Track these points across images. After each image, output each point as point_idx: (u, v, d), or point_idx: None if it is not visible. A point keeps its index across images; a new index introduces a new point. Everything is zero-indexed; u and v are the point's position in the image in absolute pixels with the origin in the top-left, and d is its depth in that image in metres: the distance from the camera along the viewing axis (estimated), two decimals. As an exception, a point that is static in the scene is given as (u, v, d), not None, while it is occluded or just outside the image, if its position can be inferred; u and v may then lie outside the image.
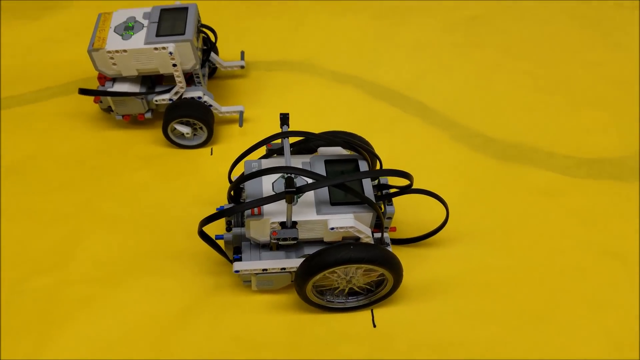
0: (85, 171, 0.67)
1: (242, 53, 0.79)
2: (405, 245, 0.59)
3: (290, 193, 0.44)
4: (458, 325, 0.53)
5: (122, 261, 0.59)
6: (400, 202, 0.61)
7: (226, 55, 0.81)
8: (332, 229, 0.48)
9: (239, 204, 0.48)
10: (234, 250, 0.53)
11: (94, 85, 0.70)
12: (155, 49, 0.63)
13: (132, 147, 0.70)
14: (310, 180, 0.50)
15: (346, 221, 0.48)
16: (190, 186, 0.66)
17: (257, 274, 0.52)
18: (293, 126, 0.69)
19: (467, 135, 0.71)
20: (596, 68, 0.79)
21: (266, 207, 0.49)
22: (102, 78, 0.67)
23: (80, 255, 0.59)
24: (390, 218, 0.53)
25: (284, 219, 0.49)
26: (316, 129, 0.57)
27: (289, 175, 0.46)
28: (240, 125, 0.70)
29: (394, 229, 0.56)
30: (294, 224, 0.49)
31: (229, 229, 0.54)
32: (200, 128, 0.68)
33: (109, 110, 0.71)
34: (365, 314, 0.55)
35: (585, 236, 0.60)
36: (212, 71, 0.78)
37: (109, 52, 0.63)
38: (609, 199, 0.63)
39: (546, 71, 0.79)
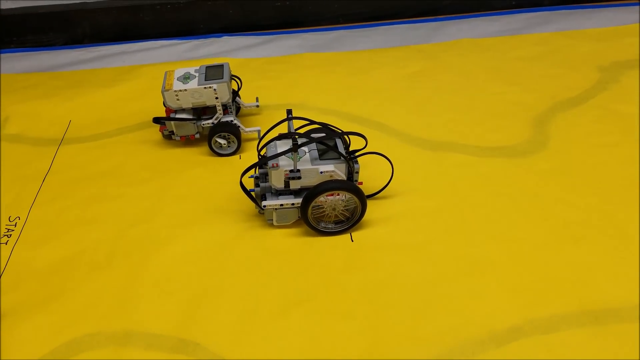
0: (157, 172, 1.01)
1: (257, 98, 1.16)
2: (369, 198, 0.92)
3: (295, 146, 0.78)
4: (403, 237, 0.85)
5: (189, 216, 0.91)
6: (364, 167, 0.95)
7: (246, 100, 1.17)
8: (322, 172, 0.82)
9: (264, 159, 0.82)
10: (261, 198, 0.86)
11: (154, 125, 1.06)
12: (205, 87, 0.99)
13: (188, 157, 1.05)
14: (305, 149, 0.84)
15: (329, 167, 0.82)
16: (226, 177, 0.99)
17: (276, 209, 0.85)
18: (294, 136, 1.04)
19: (410, 139, 1.06)
20: (496, 96, 1.17)
21: (281, 162, 0.82)
22: (168, 111, 1.03)
23: (161, 214, 0.92)
24: (357, 172, 0.86)
25: (292, 168, 0.82)
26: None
27: (294, 137, 0.81)
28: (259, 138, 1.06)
29: (360, 183, 0.89)
30: (298, 170, 0.82)
31: (257, 185, 0.87)
32: (232, 141, 1.03)
33: (169, 136, 1.06)
34: (346, 236, 0.86)
35: (485, 186, 0.93)
36: (237, 110, 1.14)
37: (175, 91, 0.99)
38: (502, 167, 0.97)
39: (462, 100, 1.16)
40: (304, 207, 0.83)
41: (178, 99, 1.00)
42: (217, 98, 1.00)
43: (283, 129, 0.99)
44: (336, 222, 0.87)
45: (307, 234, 0.86)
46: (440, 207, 0.90)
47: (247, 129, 1.06)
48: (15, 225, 0.90)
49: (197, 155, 1.05)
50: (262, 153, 0.87)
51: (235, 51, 1.43)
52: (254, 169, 0.85)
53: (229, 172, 1.00)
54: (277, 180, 0.83)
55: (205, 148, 1.05)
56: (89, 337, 0.73)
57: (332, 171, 0.82)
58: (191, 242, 0.86)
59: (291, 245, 0.85)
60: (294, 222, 0.88)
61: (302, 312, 0.74)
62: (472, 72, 1.26)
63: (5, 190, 0.98)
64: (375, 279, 0.78)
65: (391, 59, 1.34)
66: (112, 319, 0.75)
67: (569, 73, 1.23)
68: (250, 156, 1.04)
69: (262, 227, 0.88)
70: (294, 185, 0.84)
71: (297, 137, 0.81)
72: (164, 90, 0.99)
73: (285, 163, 0.82)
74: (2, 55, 1.45)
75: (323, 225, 0.86)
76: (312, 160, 0.83)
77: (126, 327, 0.73)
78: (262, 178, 0.87)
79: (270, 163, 0.81)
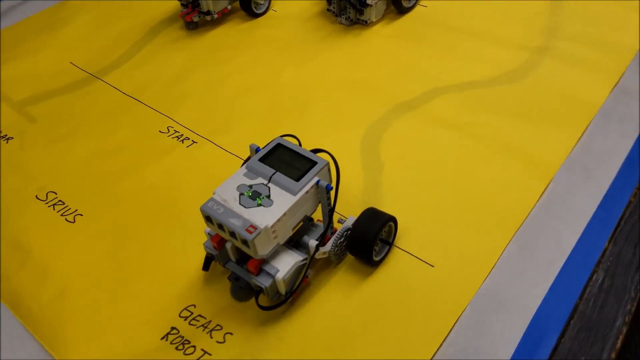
0: (236, 49, 0.98)
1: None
2: None
3: None
4: None
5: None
6: None
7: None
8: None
9: None
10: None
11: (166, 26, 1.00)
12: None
13: (231, 33, 1.02)
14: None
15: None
16: (285, 31, 1.01)
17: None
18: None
19: None
20: None
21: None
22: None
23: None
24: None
25: None
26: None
27: None
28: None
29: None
30: None
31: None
32: (265, -3, 1.06)
33: (195, 24, 1.02)
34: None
35: None
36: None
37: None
38: None
39: None
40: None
41: None
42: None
43: None
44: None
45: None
46: None
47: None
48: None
49: (238, 25, 1.04)
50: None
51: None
52: None
53: (278, 24, 1.04)
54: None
55: (236, 20, 1.05)
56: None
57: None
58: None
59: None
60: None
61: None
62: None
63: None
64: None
65: None
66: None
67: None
68: (281, 7, 1.08)
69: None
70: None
71: None
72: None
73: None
74: None
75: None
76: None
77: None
78: None
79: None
